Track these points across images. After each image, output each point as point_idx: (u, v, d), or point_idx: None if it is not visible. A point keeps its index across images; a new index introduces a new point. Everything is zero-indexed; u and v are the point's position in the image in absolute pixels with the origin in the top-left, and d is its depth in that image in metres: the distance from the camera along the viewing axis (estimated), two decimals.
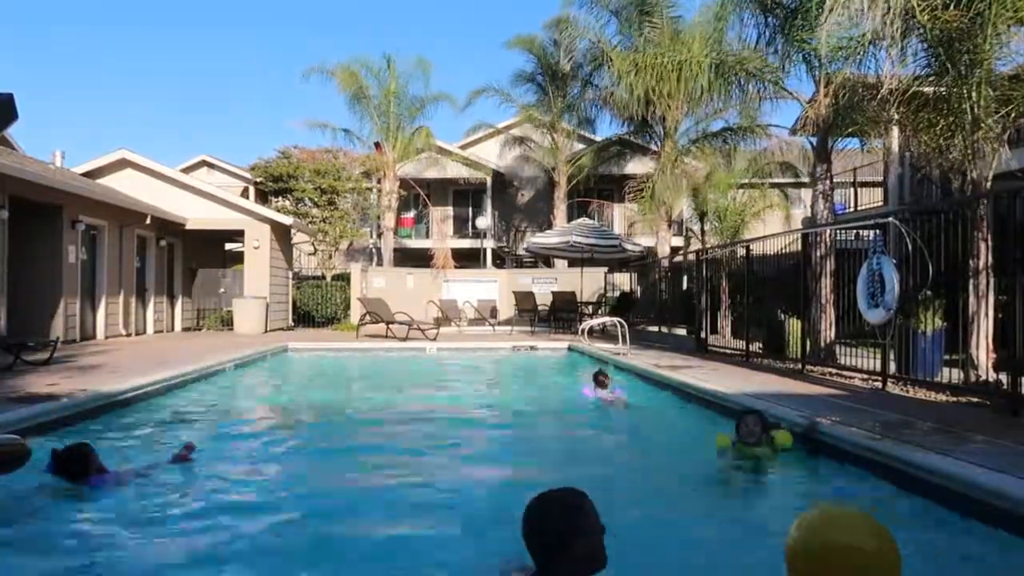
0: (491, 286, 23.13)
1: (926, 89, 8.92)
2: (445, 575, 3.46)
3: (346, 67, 23.22)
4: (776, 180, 20.80)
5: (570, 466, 5.64)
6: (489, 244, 28.39)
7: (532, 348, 15.42)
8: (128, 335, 16.69)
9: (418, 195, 27.59)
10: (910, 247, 7.62)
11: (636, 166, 24.07)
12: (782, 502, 4.61)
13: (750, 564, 3.46)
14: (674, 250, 22.22)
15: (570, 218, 24.69)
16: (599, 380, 8.50)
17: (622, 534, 2.59)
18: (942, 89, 8.68)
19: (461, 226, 30.26)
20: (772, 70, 11.32)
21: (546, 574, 2.14)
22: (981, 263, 7.85)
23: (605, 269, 22.44)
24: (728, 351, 12.65)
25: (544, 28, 25.02)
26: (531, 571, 2.21)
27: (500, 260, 29.84)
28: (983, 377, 7.66)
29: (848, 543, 1.87)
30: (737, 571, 3.47)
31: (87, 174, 18.17)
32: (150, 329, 18.26)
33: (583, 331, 15.21)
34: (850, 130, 11.11)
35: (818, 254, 10.28)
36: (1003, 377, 6.96)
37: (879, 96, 9.60)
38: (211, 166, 33.38)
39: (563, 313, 19.63)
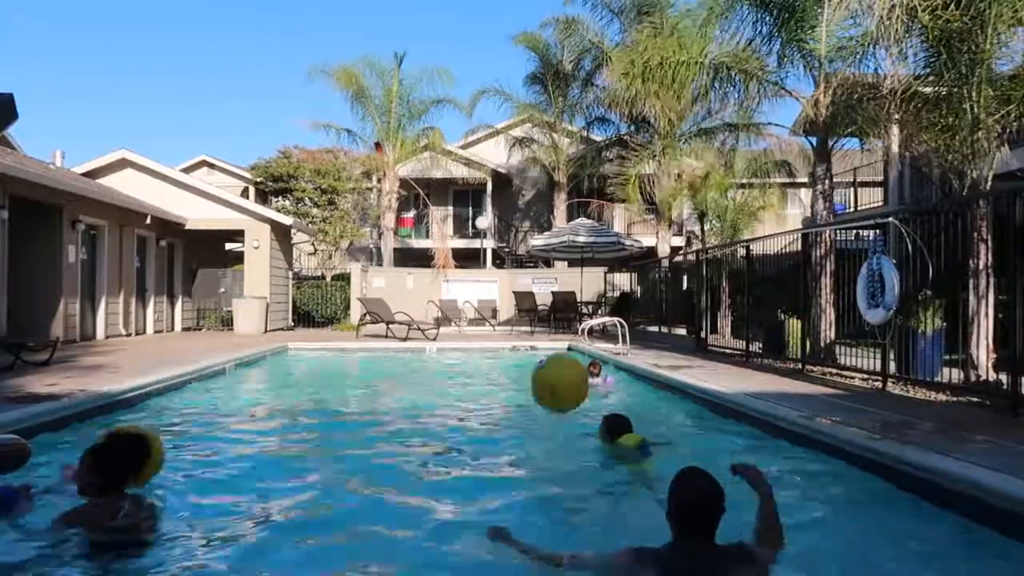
0: (491, 286, 23.14)
1: (926, 89, 8.91)
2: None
3: (347, 67, 23.23)
4: (781, 180, 20.77)
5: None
6: (489, 244, 28.39)
7: (532, 348, 15.41)
8: (128, 335, 16.68)
9: (418, 195, 27.59)
10: (910, 247, 7.62)
11: (638, 167, 24.07)
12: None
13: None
14: (674, 250, 22.22)
15: (570, 218, 24.69)
16: (590, 371, 9.14)
17: None
18: (942, 89, 8.68)
19: (461, 226, 30.26)
20: (771, 70, 11.31)
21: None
22: (981, 263, 7.84)
23: (605, 269, 22.44)
24: (728, 351, 12.64)
25: (544, 27, 25.01)
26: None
27: (500, 260, 29.85)
28: (983, 377, 7.66)
29: None
30: None
31: (87, 174, 18.17)
32: (150, 329, 18.26)
33: (583, 331, 15.22)
34: (850, 130, 11.10)
35: (818, 254, 10.27)
36: (1003, 377, 6.97)
37: (879, 96, 9.60)
38: (211, 166, 33.39)
39: (563, 313, 19.64)
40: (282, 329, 20.32)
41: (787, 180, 21.59)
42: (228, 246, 24.70)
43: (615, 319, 14.43)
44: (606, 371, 9.99)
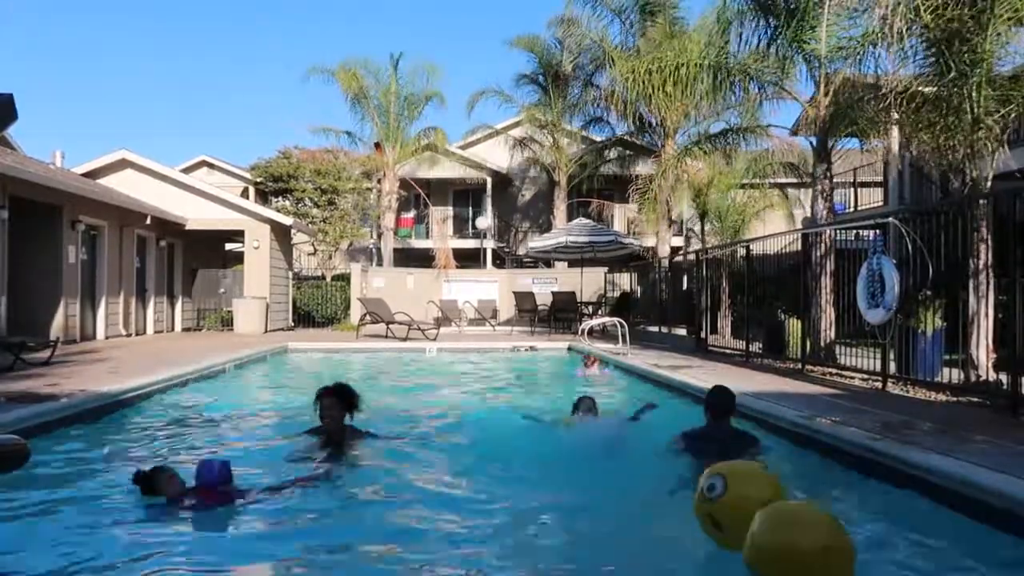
0: (491, 286, 23.14)
1: (926, 89, 8.91)
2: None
3: (347, 67, 23.27)
4: (779, 180, 20.75)
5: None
6: (489, 244, 28.38)
7: (532, 348, 15.41)
8: (128, 335, 16.68)
9: (418, 195, 27.60)
10: (910, 247, 7.62)
11: (637, 167, 24.05)
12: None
13: None
14: (674, 250, 22.21)
15: (570, 218, 24.67)
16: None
17: None
18: (934, 89, 8.67)
19: (461, 226, 30.26)
20: (772, 71, 11.31)
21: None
22: (981, 263, 7.84)
23: (605, 269, 22.43)
24: (728, 351, 12.65)
25: (547, 27, 24.99)
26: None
27: (500, 260, 29.84)
28: (983, 377, 7.66)
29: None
30: None
31: (87, 174, 18.17)
32: (150, 329, 18.26)
33: (583, 331, 15.21)
34: (850, 130, 11.10)
35: (818, 254, 10.27)
36: (1003, 377, 6.97)
37: (879, 96, 9.60)
38: (211, 166, 33.38)
39: (563, 313, 19.63)
40: (282, 329, 20.32)
41: (796, 181, 21.59)
42: (228, 246, 24.70)
43: (615, 319, 14.43)
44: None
